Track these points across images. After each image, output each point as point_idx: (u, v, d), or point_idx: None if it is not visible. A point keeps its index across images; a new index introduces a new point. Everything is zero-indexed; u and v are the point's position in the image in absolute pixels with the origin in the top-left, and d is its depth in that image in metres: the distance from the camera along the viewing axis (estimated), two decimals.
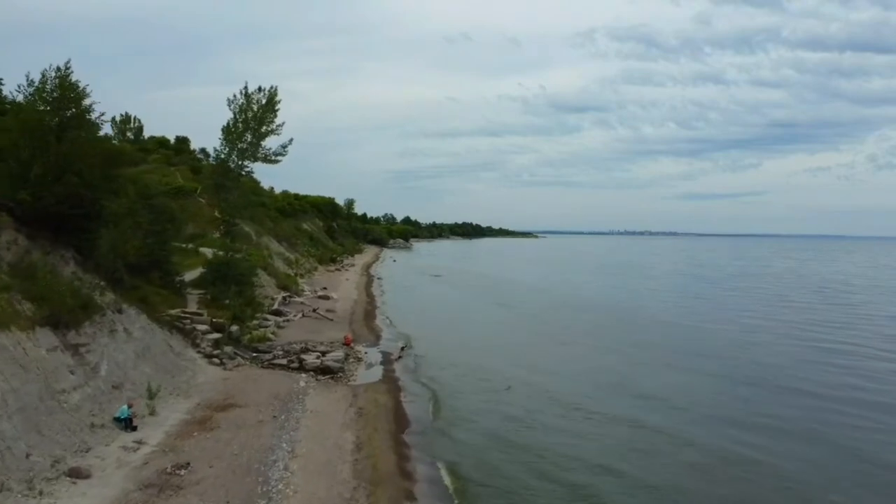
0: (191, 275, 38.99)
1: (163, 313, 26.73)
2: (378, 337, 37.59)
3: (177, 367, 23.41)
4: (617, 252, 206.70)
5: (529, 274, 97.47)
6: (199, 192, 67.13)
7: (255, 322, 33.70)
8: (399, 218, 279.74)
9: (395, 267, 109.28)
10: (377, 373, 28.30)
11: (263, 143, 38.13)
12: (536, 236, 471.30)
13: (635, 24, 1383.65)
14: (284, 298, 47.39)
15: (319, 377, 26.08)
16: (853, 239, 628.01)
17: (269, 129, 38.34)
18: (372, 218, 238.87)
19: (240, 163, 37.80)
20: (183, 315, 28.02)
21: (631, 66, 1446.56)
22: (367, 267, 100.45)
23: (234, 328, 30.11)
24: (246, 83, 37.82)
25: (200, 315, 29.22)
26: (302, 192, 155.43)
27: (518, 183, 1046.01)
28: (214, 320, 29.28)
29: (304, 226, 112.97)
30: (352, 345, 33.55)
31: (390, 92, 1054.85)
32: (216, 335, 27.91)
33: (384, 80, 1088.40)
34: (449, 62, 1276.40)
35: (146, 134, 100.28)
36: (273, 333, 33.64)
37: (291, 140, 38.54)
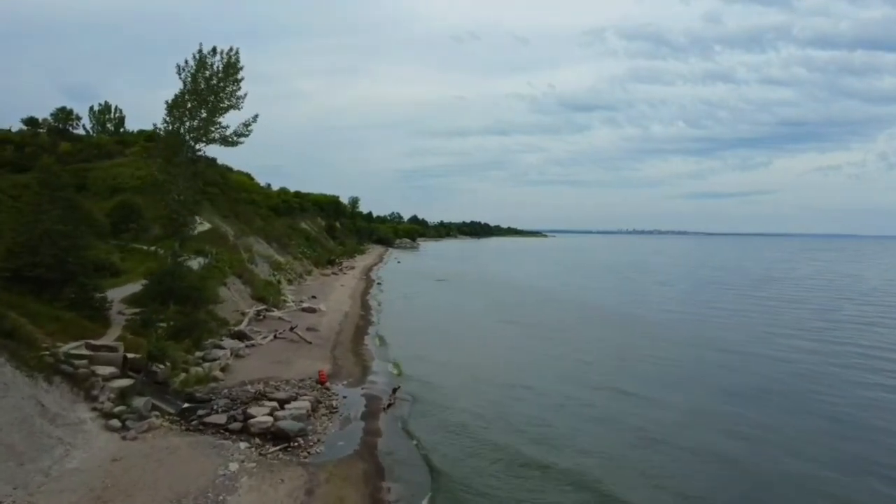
0: (134, 287, 31.10)
1: (45, 351, 18.55)
2: (365, 369, 29.29)
3: (38, 444, 15.23)
4: (628, 252, 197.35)
5: (542, 278, 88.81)
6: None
7: (199, 353, 25.50)
8: (406, 217, 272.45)
9: (399, 269, 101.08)
10: (355, 436, 19.93)
11: (221, 121, 30.10)
12: (545, 235, 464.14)
13: (644, 23, 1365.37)
14: (258, 313, 39.27)
15: (266, 449, 17.84)
16: (865, 238, 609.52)
17: (230, 103, 30.32)
18: (378, 217, 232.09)
19: (191, 144, 29.67)
20: (81, 353, 19.82)
21: (640, 64, 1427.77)
22: (368, 270, 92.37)
23: (162, 366, 21.95)
24: (200, 45, 29.78)
25: (114, 349, 21.03)
26: (310, 191, 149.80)
27: (526, 182, 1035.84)
28: (131, 356, 21.09)
29: (303, 225, 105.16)
30: (327, 383, 25.36)
31: (398, 91, 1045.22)
32: (126, 381, 19.72)
33: (392, 79, 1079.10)
34: (457, 61, 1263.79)
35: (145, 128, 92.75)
36: (223, 369, 25.42)
37: (256, 116, 30.53)
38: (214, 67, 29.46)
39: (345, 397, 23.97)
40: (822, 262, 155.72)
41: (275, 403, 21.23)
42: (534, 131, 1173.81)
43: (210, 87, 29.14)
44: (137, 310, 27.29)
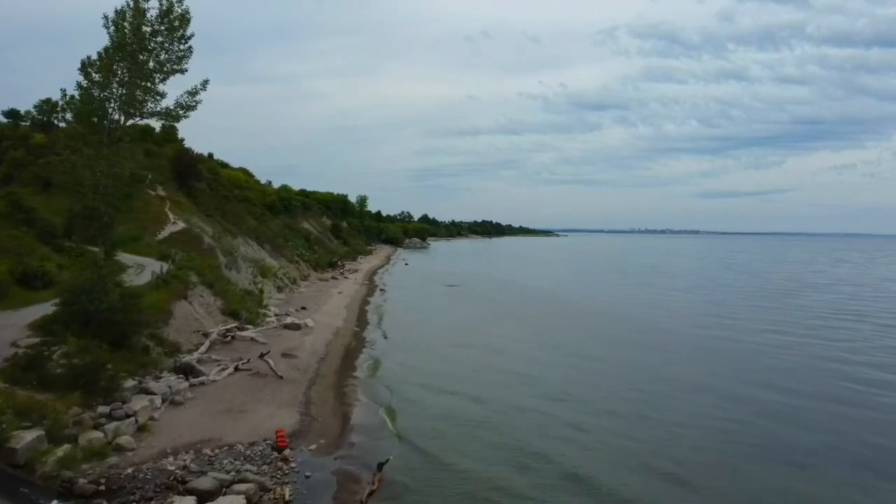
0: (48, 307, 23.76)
1: None
2: (345, 421, 21.68)
3: None
4: (643, 253, 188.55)
5: (561, 284, 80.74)
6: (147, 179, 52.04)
7: (105, 408, 18.08)
8: (417, 216, 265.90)
9: (406, 272, 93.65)
10: None
11: (160, 87, 22.80)
12: (557, 235, 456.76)
13: (657, 22, 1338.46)
14: (226, 333, 31.98)
15: None
16: (881, 237, 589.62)
17: (173, 66, 23.02)
18: (388, 216, 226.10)
19: (116, 118, 22.38)
20: None
21: (653, 63, 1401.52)
22: (372, 273, 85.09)
23: (28, 439, 14.61)
24: None
25: None
26: (324, 190, 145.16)
27: (538, 181, 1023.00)
28: None
29: (305, 225, 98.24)
30: (287, 449, 17.90)
31: (410, 91, 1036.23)
32: None
33: (404, 79, 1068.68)
34: (469, 61, 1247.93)
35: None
36: (142, 428, 17.96)
37: (206, 82, 23.14)
38: (149, 16, 22.16)
39: (308, 476, 16.44)
40: (851, 263, 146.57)
41: (192, 501, 13.83)
42: (546, 130, 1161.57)
43: (140, 39, 21.82)
44: (38, 340, 20.08)
